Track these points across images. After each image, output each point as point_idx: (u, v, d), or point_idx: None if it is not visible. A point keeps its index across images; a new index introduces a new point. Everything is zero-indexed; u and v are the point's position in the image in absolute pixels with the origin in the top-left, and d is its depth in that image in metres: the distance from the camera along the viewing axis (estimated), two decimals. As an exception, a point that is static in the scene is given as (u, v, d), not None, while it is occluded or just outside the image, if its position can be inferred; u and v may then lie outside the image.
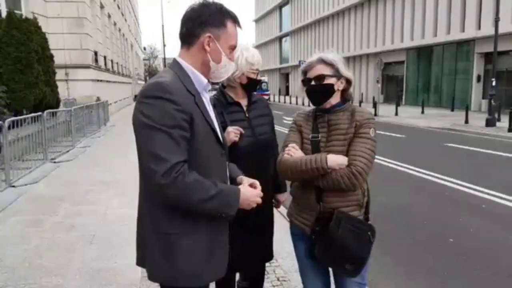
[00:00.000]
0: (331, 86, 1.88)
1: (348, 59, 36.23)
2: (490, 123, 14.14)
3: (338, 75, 1.89)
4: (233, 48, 1.56)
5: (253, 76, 2.22)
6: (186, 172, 1.35)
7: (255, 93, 2.37)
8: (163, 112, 1.34)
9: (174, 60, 1.55)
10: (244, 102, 2.28)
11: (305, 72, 1.95)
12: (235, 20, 1.54)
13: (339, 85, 1.91)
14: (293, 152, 1.88)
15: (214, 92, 2.28)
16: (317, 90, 1.90)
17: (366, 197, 1.93)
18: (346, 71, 1.91)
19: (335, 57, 1.91)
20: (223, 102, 2.23)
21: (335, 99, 1.92)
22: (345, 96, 1.97)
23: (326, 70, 1.88)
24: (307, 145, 1.92)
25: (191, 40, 1.50)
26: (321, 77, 1.88)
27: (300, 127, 1.99)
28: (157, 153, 1.32)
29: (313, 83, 1.90)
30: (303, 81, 1.97)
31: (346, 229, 1.80)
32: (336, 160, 1.78)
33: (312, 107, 2.03)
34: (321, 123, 1.93)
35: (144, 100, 1.37)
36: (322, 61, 1.89)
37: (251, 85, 2.25)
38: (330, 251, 1.84)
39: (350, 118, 1.87)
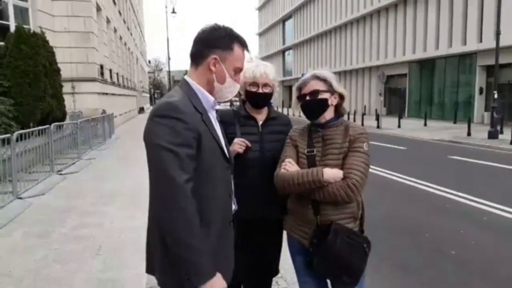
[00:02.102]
0: (325, 100, 1.97)
1: (351, 72, 36.47)
2: (492, 135, 14.16)
3: (331, 90, 1.99)
4: (238, 70, 1.65)
5: (253, 89, 2.19)
6: (189, 192, 1.41)
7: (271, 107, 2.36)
8: (172, 131, 1.43)
9: (183, 80, 1.66)
10: (261, 117, 2.29)
11: (299, 89, 2.05)
12: (243, 44, 1.63)
13: (332, 100, 2.00)
14: (289, 167, 1.94)
15: (237, 104, 2.33)
16: (312, 104, 1.99)
17: (361, 210, 2.00)
18: (339, 87, 2.01)
19: (328, 74, 2.01)
20: (240, 114, 2.28)
21: (329, 114, 2.01)
22: (339, 111, 2.05)
23: (320, 86, 1.98)
24: (303, 159, 1.99)
25: (199, 60, 1.60)
26: (315, 92, 1.97)
27: (296, 142, 2.06)
28: (165, 170, 1.40)
29: (308, 98, 1.99)
30: (298, 97, 2.06)
31: (343, 241, 1.85)
32: (332, 173, 1.84)
33: (307, 122, 2.11)
34: (316, 138, 2.01)
35: (155, 119, 1.47)
36: (316, 77, 2.00)
37: (252, 99, 2.23)
38: (328, 263, 1.89)
39: (344, 133, 1.95)
